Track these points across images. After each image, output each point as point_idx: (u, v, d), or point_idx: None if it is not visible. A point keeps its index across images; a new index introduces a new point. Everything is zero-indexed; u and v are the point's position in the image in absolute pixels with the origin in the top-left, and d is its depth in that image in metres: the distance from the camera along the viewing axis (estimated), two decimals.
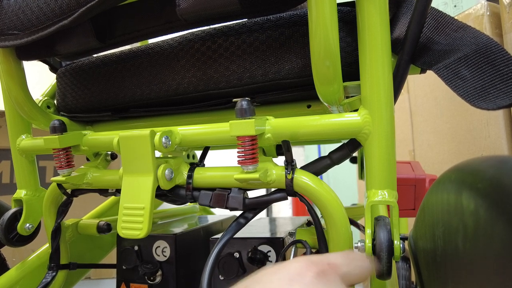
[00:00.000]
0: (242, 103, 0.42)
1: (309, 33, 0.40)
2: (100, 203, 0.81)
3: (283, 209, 2.76)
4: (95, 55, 0.63)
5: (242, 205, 0.45)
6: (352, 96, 0.45)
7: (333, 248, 0.43)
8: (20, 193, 0.64)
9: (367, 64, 0.40)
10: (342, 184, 2.06)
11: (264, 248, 0.55)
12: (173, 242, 0.62)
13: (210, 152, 0.56)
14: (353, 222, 0.67)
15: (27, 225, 0.63)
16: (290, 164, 0.44)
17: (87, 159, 0.62)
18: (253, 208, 0.47)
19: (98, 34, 0.52)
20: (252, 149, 0.42)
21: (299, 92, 0.50)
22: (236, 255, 0.55)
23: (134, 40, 0.55)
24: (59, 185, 0.57)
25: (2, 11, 0.49)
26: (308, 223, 0.69)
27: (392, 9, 0.47)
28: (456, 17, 0.45)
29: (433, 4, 0.42)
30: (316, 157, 0.48)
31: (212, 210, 1.05)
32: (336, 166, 0.47)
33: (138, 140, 0.47)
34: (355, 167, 1.10)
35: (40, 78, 0.79)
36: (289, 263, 0.28)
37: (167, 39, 0.57)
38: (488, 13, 0.90)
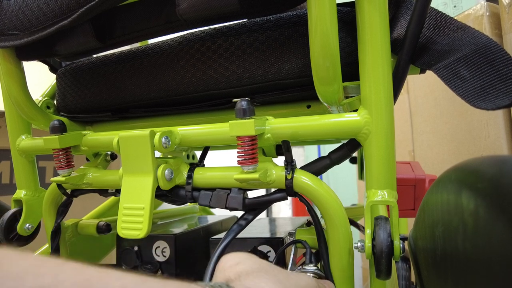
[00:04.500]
0: (242, 103, 0.42)
1: (309, 33, 0.40)
2: (100, 203, 0.81)
3: (283, 209, 2.76)
4: (95, 56, 0.63)
5: (242, 205, 0.45)
6: (352, 96, 0.45)
7: (333, 248, 0.43)
8: (20, 193, 0.64)
9: (367, 64, 0.40)
10: (342, 184, 2.06)
11: (264, 248, 0.55)
12: (173, 242, 0.62)
13: (210, 152, 0.56)
14: (353, 222, 0.67)
15: (27, 225, 0.63)
16: (290, 164, 0.44)
17: (87, 159, 0.62)
18: (253, 208, 0.47)
19: (98, 34, 0.52)
20: (252, 149, 0.42)
21: (299, 92, 0.50)
22: None
23: (134, 40, 0.55)
24: (59, 185, 0.57)
25: (2, 12, 0.49)
26: (308, 223, 0.69)
27: (391, 9, 0.47)
28: (455, 18, 0.45)
29: (432, 4, 0.42)
30: (316, 157, 0.48)
31: (212, 210, 1.05)
32: (336, 166, 0.47)
33: (138, 140, 0.47)
34: (355, 167, 1.10)
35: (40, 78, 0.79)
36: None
37: (167, 40, 0.57)
38: (487, 14, 0.90)
